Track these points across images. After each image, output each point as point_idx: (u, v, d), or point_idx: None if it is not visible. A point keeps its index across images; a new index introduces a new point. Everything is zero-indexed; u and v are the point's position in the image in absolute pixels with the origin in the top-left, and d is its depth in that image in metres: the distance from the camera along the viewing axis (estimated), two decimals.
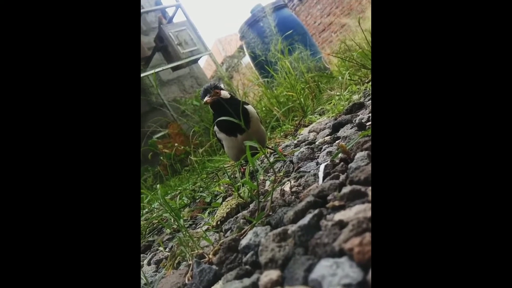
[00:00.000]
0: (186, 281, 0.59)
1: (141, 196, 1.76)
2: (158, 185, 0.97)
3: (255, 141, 0.84)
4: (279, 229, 0.50)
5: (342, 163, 0.67)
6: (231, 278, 0.48)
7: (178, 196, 1.43)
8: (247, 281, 0.44)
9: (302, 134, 1.34)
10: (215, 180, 1.50)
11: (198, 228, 0.94)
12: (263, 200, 0.72)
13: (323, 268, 0.35)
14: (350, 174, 0.59)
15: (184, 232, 0.76)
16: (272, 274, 0.41)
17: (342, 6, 7.36)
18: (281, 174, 0.89)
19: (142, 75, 3.10)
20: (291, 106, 1.83)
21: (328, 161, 0.72)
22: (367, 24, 2.59)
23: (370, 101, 1.22)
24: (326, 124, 1.25)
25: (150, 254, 0.97)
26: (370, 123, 0.92)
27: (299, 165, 0.89)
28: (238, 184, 0.96)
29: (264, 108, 2.20)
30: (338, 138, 0.96)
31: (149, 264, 0.88)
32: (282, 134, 1.63)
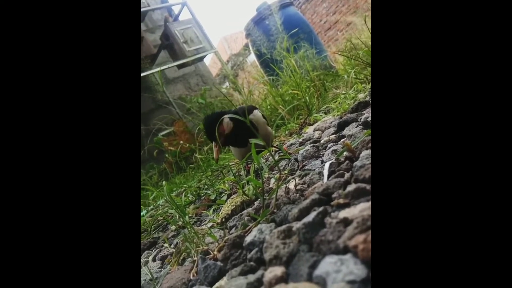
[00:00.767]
0: (191, 277, 0.60)
1: (147, 193, 1.77)
2: (164, 182, 0.98)
3: (261, 139, 0.85)
4: (283, 226, 0.50)
5: (347, 161, 0.67)
6: (236, 274, 0.49)
7: (183, 193, 1.44)
8: (251, 277, 0.44)
9: (307, 133, 1.34)
10: (219, 177, 1.50)
11: (203, 225, 0.95)
12: (267, 197, 0.72)
13: (328, 264, 0.36)
14: (355, 172, 0.59)
15: (189, 229, 0.76)
16: (276, 271, 0.41)
17: (348, 4, 7.32)
18: (286, 172, 0.89)
19: (147, 72, 3.12)
20: (296, 105, 1.83)
21: (333, 159, 0.72)
22: None
23: None
24: (331, 122, 1.25)
25: (155, 250, 0.98)
26: None
27: (304, 163, 0.89)
28: (243, 181, 0.97)
29: (269, 107, 2.21)
30: (343, 136, 0.96)
31: (154, 260, 0.89)
32: (287, 132, 1.63)
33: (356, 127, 0.97)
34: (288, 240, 0.47)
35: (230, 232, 0.73)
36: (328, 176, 0.66)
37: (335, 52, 2.48)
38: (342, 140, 0.93)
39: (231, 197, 0.98)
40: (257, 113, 1.08)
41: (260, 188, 0.75)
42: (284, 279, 0.41)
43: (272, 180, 0.91)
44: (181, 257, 0.75)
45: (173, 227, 1.09)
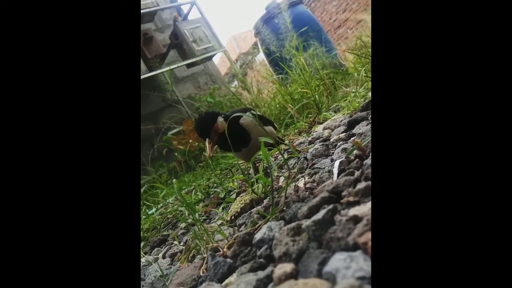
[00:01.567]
0: (201, 274, 0.60)
1: (157, 191, 1.79)
2: (174, 180, 0.99)
3: (270, 138, 0.85)
4: (293, 224, 0.50)
5: (357, 159, 0.67)
6: (246, 270, 0.49)
7: (193, 192, 1.45)
8: (261, 273, 0.45)
9: (316, 131, 1.33)
10: (228, 176, 1.51)
11: (212, 222, 0.95)
12: (277, 195, 0.72)
13: (337, 261, 0.36)
14: (365, 170, 0.59)
15: (199, 226, 0.77)
16: (286, 267, 0.41)
17: (358, 2, 7.25)
18: (295, 170, 0.89)
19: (157, 72, 3.14)
20: (305, 103, 1.82)
21: (343, 158, 0.71)
22: None
23: None
24: (341, 121, 1.25)
25: (165, 247, 0.99)
26: None
27: (314, 161, 0.88)
28: (252, 179, 0.97)
29: (278, 106, 2.20)
30: (354, 135, 0.96)
31: (164, 257, 0.90)
32: (296, 131, 1.63)
33: (366, 125, 0.96)
34: (298, 237, 0.47)
35: (240, 229, 0.73)
36: (338, 174, 0.66)
37: (345, 50, 2.46)
38: (352, 138, 0.93)
39: (240, 195, 0.99)
40: (247, 117, 1.07)
41: (269, 186, 0.76)
42: (294, 275, 0.41)
43: (281, 179, 0.92)
44: (191, 254, 0.76)
45: (183, 225, 1.10)
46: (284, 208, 0.64)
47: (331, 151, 0.92)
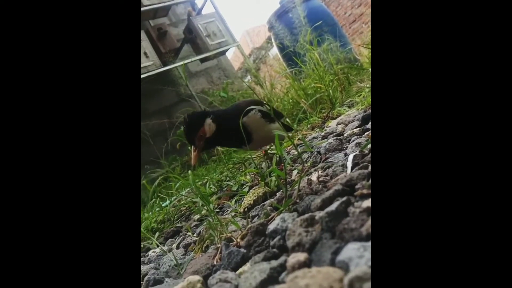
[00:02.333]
0: (215, 263, 0.62)
1: (170, 183, 1.82)
2: (189, 171, 1.00)
3: (283, 130, 0.85)
4: (306, 215, 0.51)
5: (371, 153, 0.67)
6: (259, 260, 0.50)
7: (206, 185, 1.46)
8: (274, 262, 0.46)
9: (329, 126, 1.33)
10: (241, 170, 1.52)
11: (226, 215, 0.97)
12: (290, 188, 0.73)
13: (351, 250, 0.36)
14: None
15: (213, 216, 0.78)
16: (299, 256, 0.42)
17: None
18: (309, 164, 0.89)
19: (171, 66, 3.16)
20: (318, 98, 1.81)
21: (357, 152, 0.71)
22: None
23: None
24: (355, 116, 1.24)
25: (178, 238, 1.01)
26: None
27: (327, 156, 0.89)
28: (265, 172, 0.98)
29: (291, 100, 2.20)
30: (368, 130, 0.95)
31: (178, 247, 0.92)
32: (309, 126, 1.63)
33: None
34: (311, 228, 0.48)
35: (253, 221, 0.74)
36: (352, 168, 0.66)
37: (359, 45, 2.43)
38: (366, 133, 0.93)
39: (253, 188, 1.00)
40: (253, 114, 0.97)
41: (282, 179, 0.76)
42: (307, 264, 0.41)
43: (294, 172, 0.92)
44: (205, 244, 0.77)
45: (196, 217, 1.12)
46: (297, 201, 0.64)
47: (345, 146, 0.92)
